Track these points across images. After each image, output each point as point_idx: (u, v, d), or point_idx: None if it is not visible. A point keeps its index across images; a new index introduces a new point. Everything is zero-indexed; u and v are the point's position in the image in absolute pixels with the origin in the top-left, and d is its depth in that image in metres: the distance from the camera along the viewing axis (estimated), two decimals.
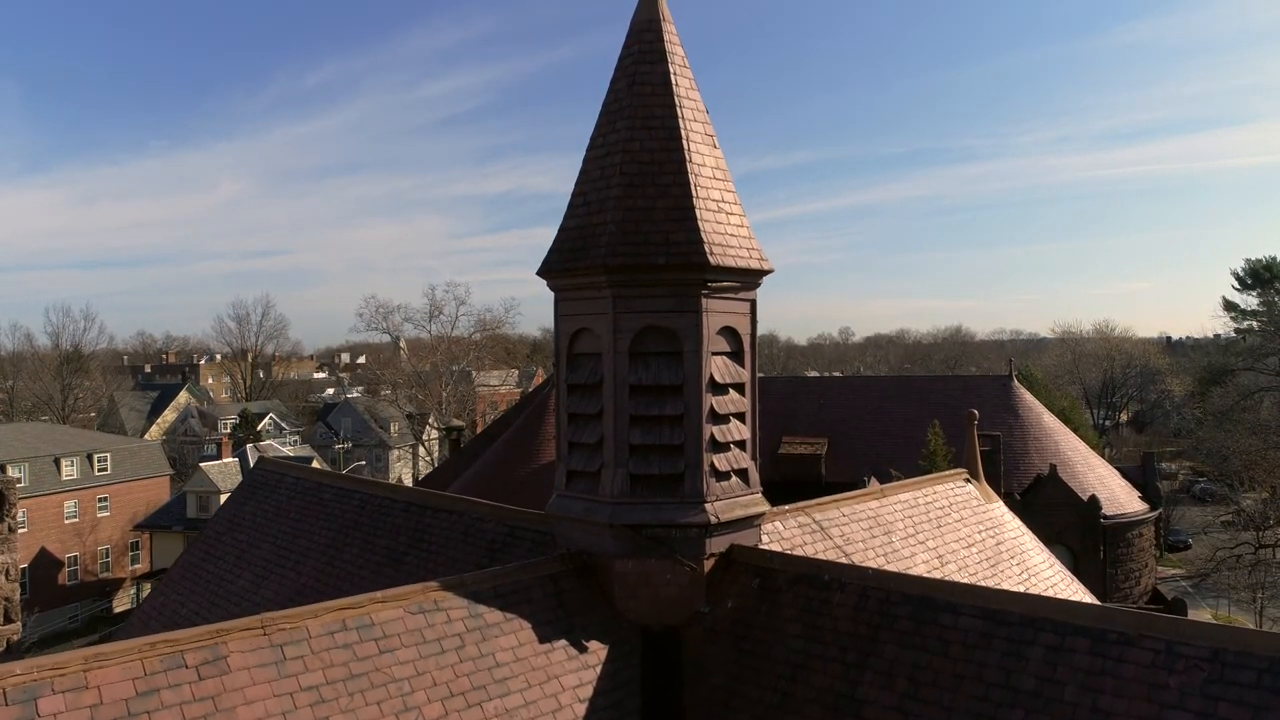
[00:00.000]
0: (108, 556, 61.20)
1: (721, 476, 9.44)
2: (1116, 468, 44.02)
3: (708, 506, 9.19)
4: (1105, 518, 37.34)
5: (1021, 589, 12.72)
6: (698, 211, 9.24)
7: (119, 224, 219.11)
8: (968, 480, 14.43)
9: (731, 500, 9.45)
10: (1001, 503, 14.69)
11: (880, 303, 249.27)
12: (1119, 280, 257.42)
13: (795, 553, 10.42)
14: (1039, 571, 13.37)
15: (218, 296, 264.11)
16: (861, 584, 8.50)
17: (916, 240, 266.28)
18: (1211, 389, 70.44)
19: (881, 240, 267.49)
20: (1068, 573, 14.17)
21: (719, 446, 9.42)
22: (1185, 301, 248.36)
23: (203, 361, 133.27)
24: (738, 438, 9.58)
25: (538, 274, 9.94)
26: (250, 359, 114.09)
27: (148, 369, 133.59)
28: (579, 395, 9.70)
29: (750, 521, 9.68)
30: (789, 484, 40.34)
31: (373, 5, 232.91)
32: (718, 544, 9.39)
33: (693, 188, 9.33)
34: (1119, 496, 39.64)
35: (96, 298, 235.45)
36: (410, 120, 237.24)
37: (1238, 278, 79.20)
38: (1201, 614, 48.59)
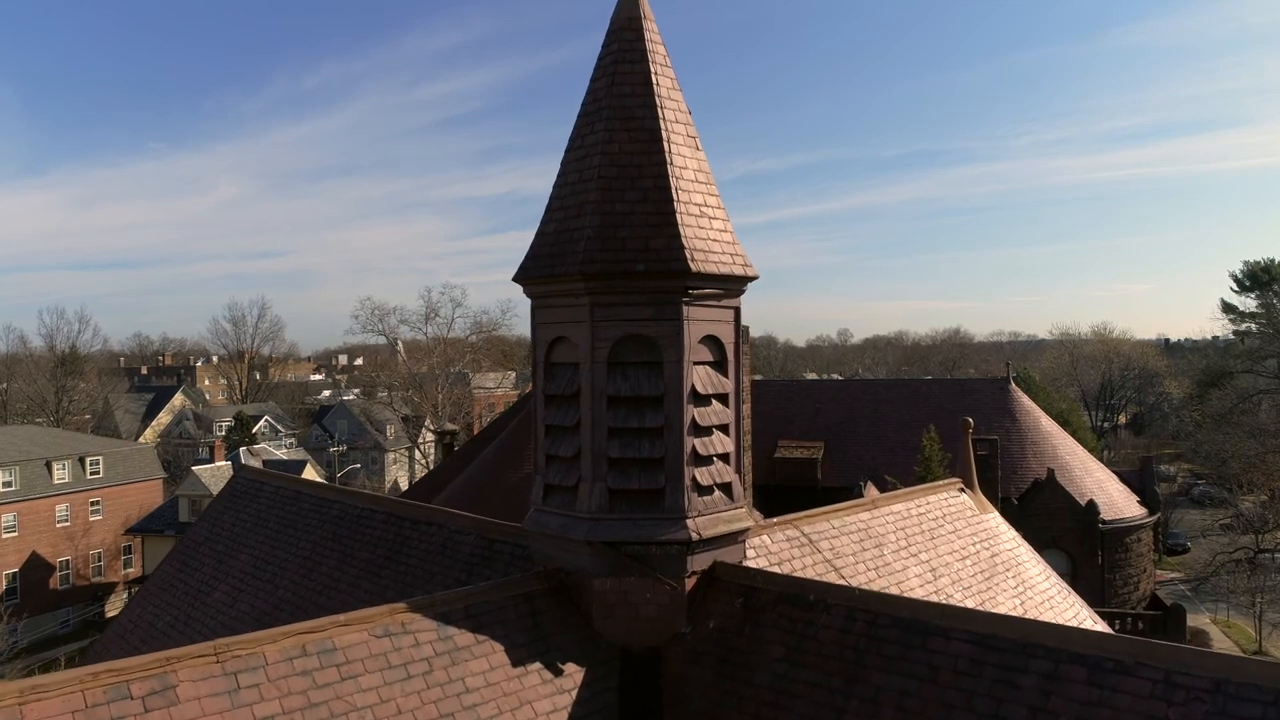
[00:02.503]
0: (100, 560, 60.80)
1: (704, 491, 9.08)
2: (1115, 471, 43.76)
3: (689, 523, 8.82)
4: (1103, 523, 37.08)
5: (1017, 602, 12.38)
6: (679, 216, 8.88)
7: (116, 225, 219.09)
8: (962, 490, 14.07)
9: (714, 516, 9.08)
10: (997, 513, 14.33)
11: (879, 304, 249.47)
12: (1118, 282, 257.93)
13: (783, 568, 10.07)
14: (1035, 584, 13.02)
15: (215, 298, 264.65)
16: (848, 605, 8.13)
17: (915, 242, 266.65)
18: (1210, 391, 70.24)
19: (880, 242, 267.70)
20: (1065, 585, 13.82)
21: (701, 460, 9.06)
22: (1184, 304, 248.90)
23: (199, 364, 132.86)
24: (720, 451, 9.22)
25: (514, 280, 9.58)
26: (247, 361, 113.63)
27: (144, 371, 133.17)
28: (556, 406, 9.34)
29: (734, 538, 9.31)
30: (785, 488, 40.13)
31: (371, 7, 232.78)
32: (700, 561, 9.02)
33: (674, 191, 8.97)
34: (1117, 501, 39.36)
35: (93, 299, 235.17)
36: (408, 122, 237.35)
37: (1236, 280, 79.19)
38: (1200, 618, 48.28)
